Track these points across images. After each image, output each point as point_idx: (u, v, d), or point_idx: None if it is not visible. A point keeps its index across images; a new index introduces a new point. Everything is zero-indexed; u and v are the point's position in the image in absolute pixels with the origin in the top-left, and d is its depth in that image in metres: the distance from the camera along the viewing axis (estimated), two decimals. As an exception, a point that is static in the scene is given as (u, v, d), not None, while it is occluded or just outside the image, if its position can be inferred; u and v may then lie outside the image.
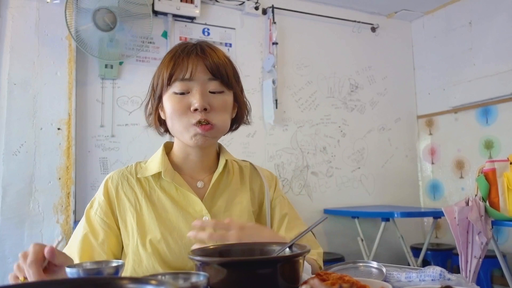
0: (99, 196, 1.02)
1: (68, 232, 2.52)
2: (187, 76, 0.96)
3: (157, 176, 1.02)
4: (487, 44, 3.33)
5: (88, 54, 2.60)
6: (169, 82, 0.97)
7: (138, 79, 2.87)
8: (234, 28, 3.24)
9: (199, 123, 0.95)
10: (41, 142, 2.53)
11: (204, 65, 0.97)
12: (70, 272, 0.63)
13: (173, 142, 1.09)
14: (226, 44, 3.19)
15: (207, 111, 0.96)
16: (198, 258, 0.63)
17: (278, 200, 1.12)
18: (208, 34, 3.13)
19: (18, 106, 2.50)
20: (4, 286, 0.41)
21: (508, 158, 2.30)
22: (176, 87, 0.97)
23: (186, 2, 2.96)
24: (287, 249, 0.71)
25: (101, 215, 0.99)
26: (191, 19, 3.07)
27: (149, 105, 1.06)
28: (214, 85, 0.98)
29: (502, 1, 3.23)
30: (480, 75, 3.35)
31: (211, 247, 0.75)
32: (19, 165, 2.47)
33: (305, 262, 0.68)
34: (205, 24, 3.13)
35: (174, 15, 2.98)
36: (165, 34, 2.99)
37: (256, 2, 3.27)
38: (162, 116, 1.05)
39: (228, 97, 1.01)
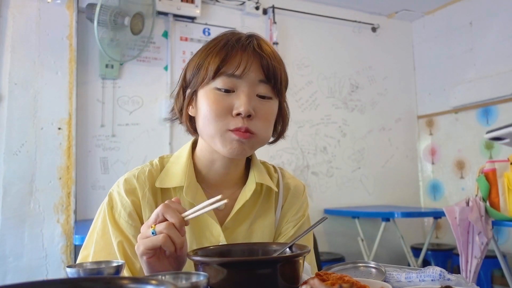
0: (121, 196, 0.87)
1: (69, 232, 2.52)
2: (238, 72, 0.82)
3: (179, 187, 0.88)
4: (487, 44, 3.33)
5: (103, 55, 2.60)
6: (215, 75, 0.83)
7: (139, 78, 2.87)
8: (234, 28, 3.22)
9: (237, 129, 0.81)
10: (42, 142, 2.53)
11: (260, 64, 0.84)
12: (70, 272, 0.63)
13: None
14: (226, 44, 3.19)
15: (250, 118, 0.83)
16: (198, 258, 0.63)
17: (300, 225, 0.97)
18: (209, 34, 3.13)
19: (19, 106, 2.50)
20: (4, 286, 0.42)
21: (508, 159, 2.30)
22: (221, 82, 0.83)
23: (187, 2, 2.96)
24: (287, 249, 0.72)
25: (126, 217, 0.86)
26: (192, 19, 3.07)
27: (179, 98, 0.92)
28: (264, 89, 0.85)
29: (502, 1, 3.23)
30: (481, 75, 3.34)
31: (211, 247, 0.75)
32: (20, 164, 2.47)
33: (305, 262, 0.68)
34: (206, 24, 3.13)
35: (175, 15, 2.99)
36: (165, 34, 2.99)
37: (257, 2, 3.27)
38: (191, 113, 0.90)
39: (275, 106, 0.89)
